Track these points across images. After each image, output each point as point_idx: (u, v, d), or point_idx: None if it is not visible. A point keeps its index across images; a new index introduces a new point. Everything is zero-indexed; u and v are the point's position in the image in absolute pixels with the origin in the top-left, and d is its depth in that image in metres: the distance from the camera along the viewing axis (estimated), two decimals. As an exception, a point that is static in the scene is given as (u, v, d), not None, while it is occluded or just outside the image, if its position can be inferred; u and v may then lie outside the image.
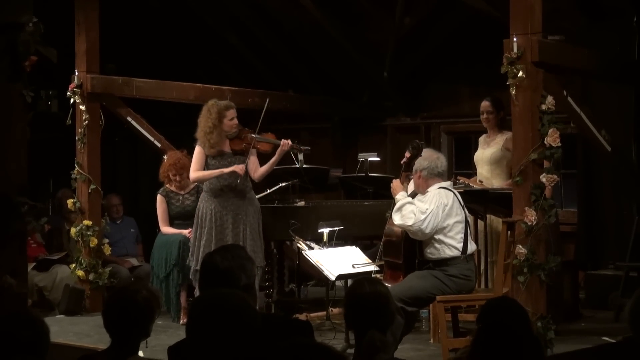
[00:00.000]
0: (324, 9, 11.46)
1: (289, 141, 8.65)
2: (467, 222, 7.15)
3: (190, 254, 8.61)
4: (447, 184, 7.26)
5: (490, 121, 8.64)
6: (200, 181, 8.77)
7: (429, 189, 7.15)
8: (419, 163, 7.21)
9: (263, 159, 8.81)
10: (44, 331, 3.84)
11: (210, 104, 8.63)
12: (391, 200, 7.36)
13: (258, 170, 8.72)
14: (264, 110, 8.75)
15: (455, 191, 7.25)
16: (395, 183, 7.30)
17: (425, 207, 6.99)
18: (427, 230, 6.96)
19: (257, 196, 8.81)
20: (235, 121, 8.62)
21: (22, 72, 5.91)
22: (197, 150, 8.65)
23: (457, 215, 7.06)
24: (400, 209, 7.06)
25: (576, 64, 7.78)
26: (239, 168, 8.50)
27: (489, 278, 8.25)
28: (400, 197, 7.15)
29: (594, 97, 9.96)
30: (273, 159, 8.68)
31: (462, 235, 7.04)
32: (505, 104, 8.06)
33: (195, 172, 8.66)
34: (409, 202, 7.07)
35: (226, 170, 8.52)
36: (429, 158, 7.23)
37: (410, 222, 6.97)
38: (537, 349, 3.99)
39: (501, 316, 3.99)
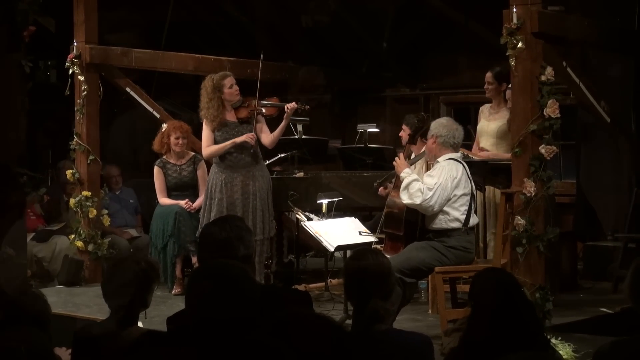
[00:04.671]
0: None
1: (294, 103, 8.66)
2: (472, 195, 7.12)
3: (200, 225, 8.63)
4: (457, 155, 7.19)
5: (490, 92, 8.63)
6: (214, 156, 8.73)
7: (438, 159, 7.11)
8: (438, 129, 7.15)
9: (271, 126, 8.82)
10: (46, 305, 3.86)
11: (205, 81, 8.70)
12: (388, 171, 7.33)
13: (269, 136, 8.73)
14: (259, 71, 8.76)
15: (464, 163, 7.19)
16: (399, 160, 7.24)
17: (433, 182, 6.94)
18: (436, 207, 6.92)
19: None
20: (236, 88, 8.66)
21: (21, 42, 5.90)
22: (205, 127, 8.69)
23: (465, 188, 7.02)
24: (407, 187, 7.00)
25: (576, 34, 7.75)
26: (249, 137, 8.52)
27: (488, 250, 8.25)
28: (405, 174, 7.09)
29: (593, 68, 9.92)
30: (282, 124, 8.70)
31: (466, 208, 7.01)
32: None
33: (207, 148, 8.70)
34: (415, 180, 7.01)
35: (238, 139, 8.55)
36: (449, 127, 7.16)
37: (418, 201, 6.93)
38: (531, 311, 4.03)
39: (491, 290, 3.99)
